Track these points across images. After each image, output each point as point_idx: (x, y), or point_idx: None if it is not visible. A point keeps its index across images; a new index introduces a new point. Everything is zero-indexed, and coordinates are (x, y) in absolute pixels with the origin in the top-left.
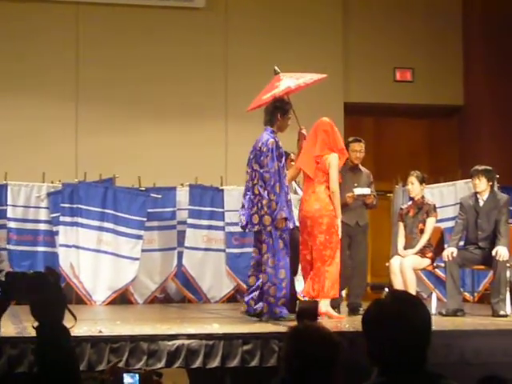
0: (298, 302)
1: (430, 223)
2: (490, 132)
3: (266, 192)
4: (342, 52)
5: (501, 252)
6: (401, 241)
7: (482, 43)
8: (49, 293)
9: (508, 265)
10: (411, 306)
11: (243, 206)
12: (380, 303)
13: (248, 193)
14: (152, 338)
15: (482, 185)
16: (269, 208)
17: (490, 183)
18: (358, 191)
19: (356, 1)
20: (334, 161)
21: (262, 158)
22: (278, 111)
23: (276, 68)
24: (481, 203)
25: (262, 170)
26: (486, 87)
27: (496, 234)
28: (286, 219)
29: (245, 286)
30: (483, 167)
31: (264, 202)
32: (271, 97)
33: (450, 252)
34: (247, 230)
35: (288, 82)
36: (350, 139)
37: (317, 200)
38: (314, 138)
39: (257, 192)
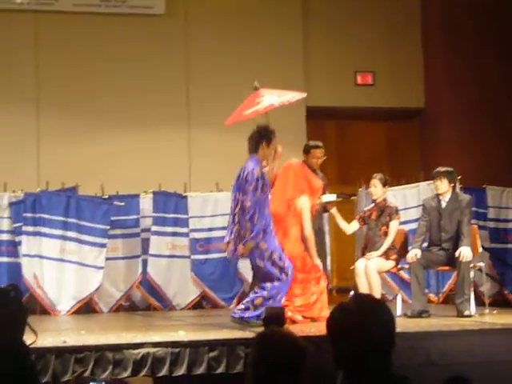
0: (265, 308)
1: (394, 226)
2: (451, 133)
3: (244, 221)
4: (303, 57)
5: (464, 252)
6: (344, 224)
7: (442, 45)
8: (9, 309)
9: (471, 265)
10: (375, 309)
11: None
12: (343, 307)
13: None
14: (117, 347)
15: (443, 186)
16: (243, 237)
17: (452, 184)
18: (325, 198)
19: (316, 6)
20: (305, 205)
21: (246, 185)
22: (263, 140)
23: (256, 84)
24: (443, 204)
25: (243, 198)
26: (447, 89)
27: (459, 234)
28: (252, 249)
29: (210, 292)
30: (444, 169)
31: (242, 232)
32: (253, 113)
33: (413, 254)
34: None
35: (270, 99)
36: (311, 144)
37: (289, 242)
38: (284, 180)
39: (237, 221)
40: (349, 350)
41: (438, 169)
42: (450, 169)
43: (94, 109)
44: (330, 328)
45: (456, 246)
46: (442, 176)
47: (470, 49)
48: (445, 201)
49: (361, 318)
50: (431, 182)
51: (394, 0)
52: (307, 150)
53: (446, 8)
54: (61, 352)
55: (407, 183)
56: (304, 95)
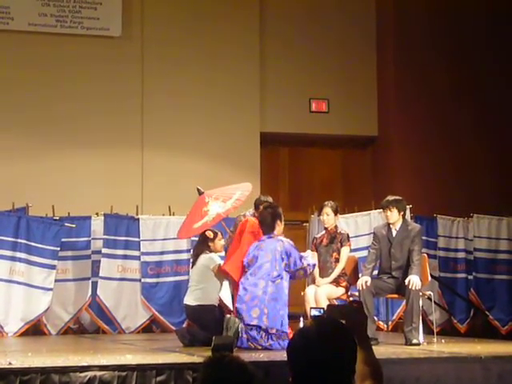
0: (213, 337)
1: (344, 252)
2: (403, 162)
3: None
4: (259, 83)
5: (413, 281)
6: (316, 269)
7: (396, 76)
8: None
9: (420, 293)
10: (336, 336)
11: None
12: (304, 333)
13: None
14: (63, 370)
15: (393, 216)
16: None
17: (402, 213)
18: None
19: (273, 30)
20: None
21: (291, 255)
22: (277, 218)
23: (199, 188)
24: (394, 233)
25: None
26: (400, 118)
27: (409, 263)
28: None
29: (160, 316)
30: (393, 198)
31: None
32: (203, 226)
33: (363, 281)
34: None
35: (216, 207)
36: (261, 199)
37: None
38: (238, 239)
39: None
40: (308, 375)
41: (388, 198)
42: (399, 198)
43: (48, 130)
44: (291, 352)
45: (405, 275)
46: (392, 206)
47: (425, 77)
48: (395, 229)
49: (321, 344)
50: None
51: (350, 26)
52: (257, 206)
53: (401, 35)
54: (6, 374)
55: (359, 211)
56: (249, 190)
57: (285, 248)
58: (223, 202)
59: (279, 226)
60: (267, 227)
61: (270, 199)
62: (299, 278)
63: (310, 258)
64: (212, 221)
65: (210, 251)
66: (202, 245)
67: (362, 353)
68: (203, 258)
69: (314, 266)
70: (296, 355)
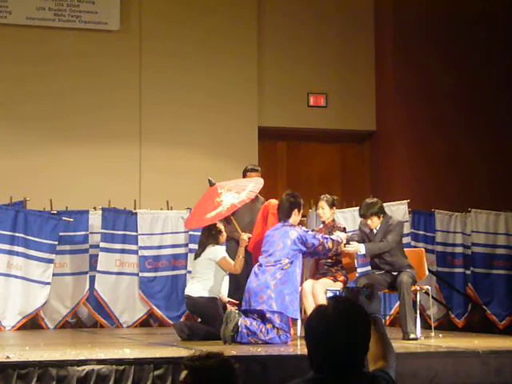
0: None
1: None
2: (400, 157)
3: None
4: (257, 77)
5: (355, 245)
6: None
7: (394, 71)
8: None
9: (418, 288)
10: (351, 315)
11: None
12: (320, 311)
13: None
14: (61, 364)
15: (374, 223)
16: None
17: (382, 215)
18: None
19: (270, 26)
20: None
21: (307, 240)
22: (295, 208)
23: (210, 179)
24: (374, 231)
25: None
26: (398, 113)
27: (395, 257)
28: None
29: (157, 310)
30: (369, 203)
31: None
32: (217, 216)
33: (336, 236)
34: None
35: (230, 198)
36: (248, 168)
37: None
38: (262, 221)
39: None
40: (323, 352)
41: (364, 205)
42: (374, 201)
43: (46, 124)
44: (308, 329)
45: (396, 270)
46: (370, 215)
47: (424, 72)
48: (376, 229)
49: (336, 322)
50: None
51: (348, 20)
52: (243, 174)
53: (400, 30)
54: (3, 367)
55: (357, 205)
56: (261, 183)
57: (299, 235)
58: (237, 193)
59: (296, 216)
60: (283, 214)
61: (257, 167)
62: (325, 254)
63: (334, 236)
64: (226, 211)
65: (217, 243)
66: (214, 237)
67: (375, 333)
68: (210, 250)
69: (335, 241)
70: (313, 332)
